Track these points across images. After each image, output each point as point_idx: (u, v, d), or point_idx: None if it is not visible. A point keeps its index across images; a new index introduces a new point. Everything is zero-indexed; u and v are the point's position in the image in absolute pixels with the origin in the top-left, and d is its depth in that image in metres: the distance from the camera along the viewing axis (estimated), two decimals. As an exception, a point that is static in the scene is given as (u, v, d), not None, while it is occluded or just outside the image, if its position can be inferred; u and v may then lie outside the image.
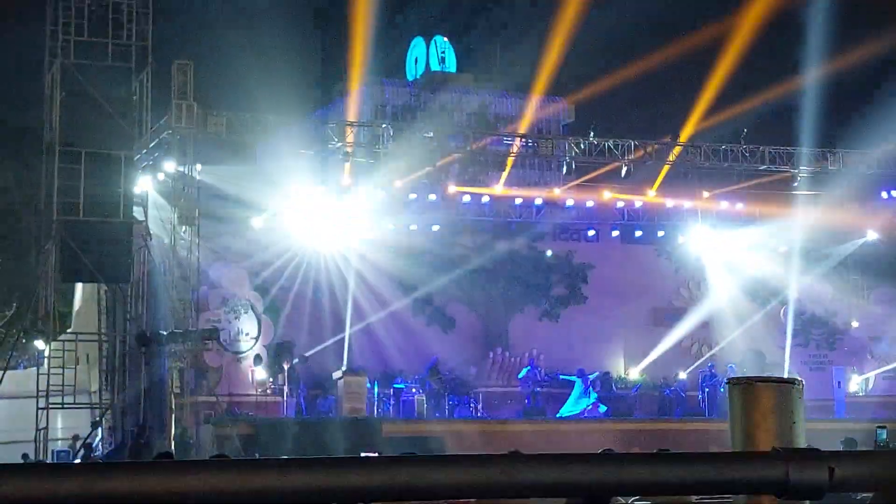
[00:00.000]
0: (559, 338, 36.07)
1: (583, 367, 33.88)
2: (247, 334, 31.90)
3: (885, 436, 26.97)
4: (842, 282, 37.39)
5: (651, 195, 35.85)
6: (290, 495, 2.54)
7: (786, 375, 26.83)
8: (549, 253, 37.09)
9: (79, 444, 29.10)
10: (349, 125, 32.63)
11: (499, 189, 34.74)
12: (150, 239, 30.81)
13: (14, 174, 42.37)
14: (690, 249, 37.55)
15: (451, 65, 41.06)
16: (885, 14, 35.51)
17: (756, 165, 34.70)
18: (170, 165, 30.67)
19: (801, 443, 2.88)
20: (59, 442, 31.26)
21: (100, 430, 31.02)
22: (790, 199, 35.66)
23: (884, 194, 36.70)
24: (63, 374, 29.86)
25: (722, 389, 31.49)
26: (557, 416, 32.85)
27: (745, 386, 2.96)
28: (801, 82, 34.83)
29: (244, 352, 31.62)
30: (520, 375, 34.51)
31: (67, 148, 29.52)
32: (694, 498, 5.65)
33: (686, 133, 35.41)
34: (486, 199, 35.05)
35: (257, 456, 23.28)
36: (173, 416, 28.93)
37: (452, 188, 34.62)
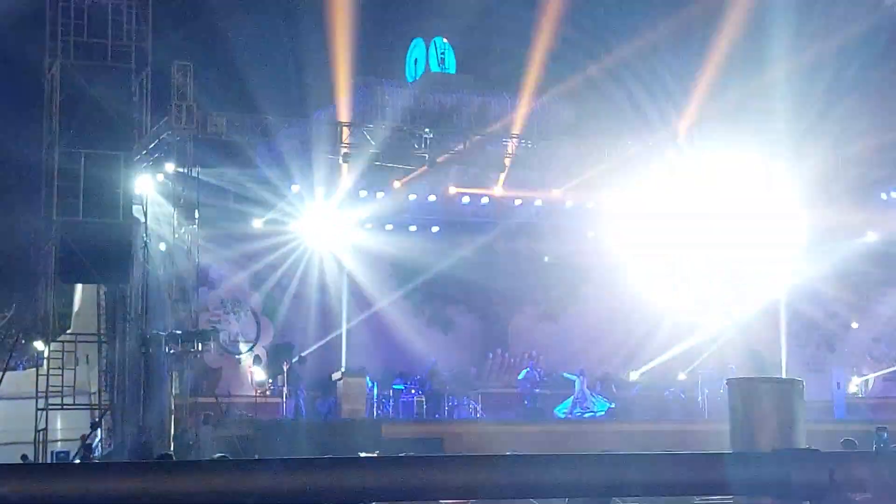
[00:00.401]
0: (558, 339, 36.07)
1: (584, 367, 33.92)
2: (246, 335, 31.89)
3: (885, 437, 26.99)
4: (842, 283, 37.38)
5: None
6: (290, 496, 2.54)
7: (783, 376, 26.83)
8: (548, 254, 37.07)
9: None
10: (349, 126, 32.63)
11: (498, 190, 34.74)
12: (150, 240, 30.81)
13: (13, 175, 42.37)
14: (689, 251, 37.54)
15: (451, 66, 41.05)
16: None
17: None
18: (169, 167, 30.66)
19: (802, 444, 2.88)
20: (59, 443, 31.25)
21: (99, 431, 31.02)
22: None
23: (883, 195, 36.70)
24: (62, 375, 29.86)
25: (722, 390, 31.51)
26: (555, 410, 32.88)
27: (746, 386, 2.95)
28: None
29: (243, 353, 31.62)
30: (519, 376, 34.51)
31: (67, 149, 29.52)
32: (696, 499, 5.64)
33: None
34: (485, 200, 35.05)
35: (256, 457, 23.27)
36: (173, 416, 28.92)
37: (452, 189, 34.63)
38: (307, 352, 32.51)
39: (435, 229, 35.46)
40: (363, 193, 33.39)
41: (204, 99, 31.21)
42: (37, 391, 29.53)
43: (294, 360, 31.90)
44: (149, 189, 30.94)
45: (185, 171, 30.49)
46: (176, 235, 30.44)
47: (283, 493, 2.56)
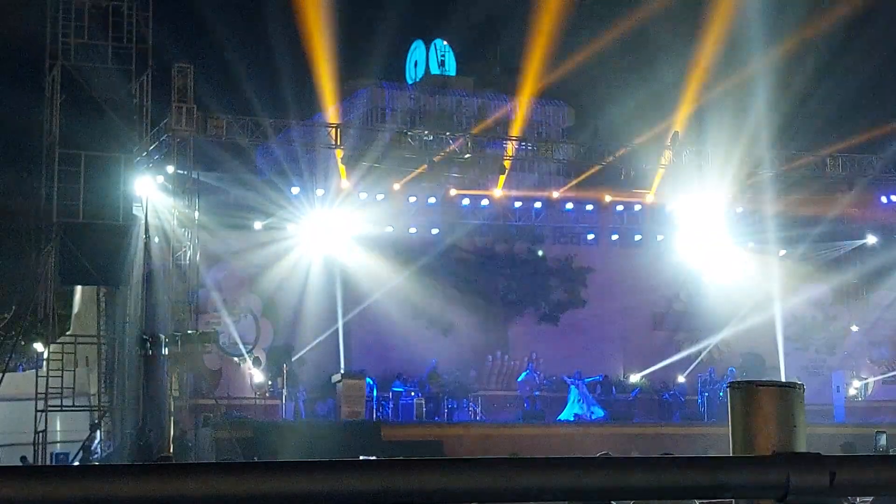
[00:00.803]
0: (558, 342, 36.06)
1: (580, 370, 33.90)
2: (245, 337, 31.88)
3: (884, 441, 26.97)
4: (841, 286, 37.39)
5: (650, 198, 35.88)
6: (289, 499, 2.53)
7: (783, 379, 26.82)
8: (548, 257, 37.09)
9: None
10: (349, 128, 32.64)
11: (498, 192, 34.75)
12: (150, 241, 30.81)
13: (14, 176, 42.35)
14: (690, 253, 37.58)
15: (451, 68, 41.08)
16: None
17: (756, 168, 34.74)
18: (169, 168, 30.67)
19: (802, 447, 2.87)
20: (59, 444, 31.26)
21: (98, 432, 31.02)
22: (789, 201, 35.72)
23: (883, 199, 36.73)
24: (62, 377, 29.87)
25: (722, 394, 31.49)
26: (557, 419, 32.85)
27: (746, 389, 2.94)
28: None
29: (243, 354, 31.62)
30: (519, 379, 34.49)
31: (67, 150, 29.54)
32: (696, 502, 5.64)
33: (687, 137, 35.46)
34: (485, 202, 35.07)
35: (256, 459, 23.27)
36: (172, 418, 28.91)
37: (452, 191, 34.65)
38: (304, 350, 32.51)
39: (435, 231, 35.49)
40: (363, 195, 33.40)
41: (204, 101, 31.26)
42: (36, 393, 29.53)
43: (293, 359, 31.91)
44: (149, 190, 30.94)
45: (186, 172, 30.49)
46: (176, 237, 30.44)
47: (282, 497, 2.56)
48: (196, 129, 30.44)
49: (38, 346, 33.24)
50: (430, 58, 40.96)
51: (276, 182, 32.22)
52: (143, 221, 30.63)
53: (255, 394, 31.27)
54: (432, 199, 34.49)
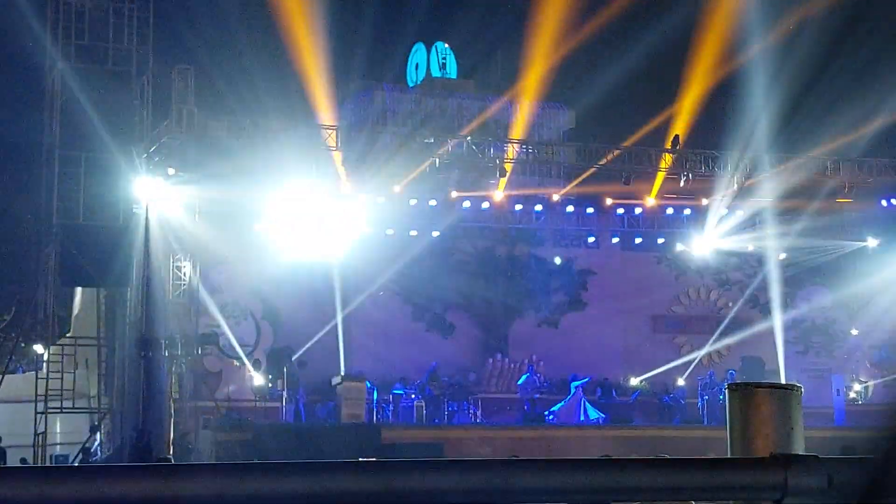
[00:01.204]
0: (558, 344, 36.05)
1: (576, 373, 33.88)
2: (245, 340, 31.87)
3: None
4: (841, 289, 37.36)
5: (651, 202, 35.89)
6: (288, 500, 2.54)
7: (782, 382, 26.78)
8: (548, 259, 37.10)
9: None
10: (349, 131, 32.64)
11: (499, 195, 34.74)
12: (150, 243, 30.78)
13: (14, 178, 42.36)
14: (690, 256, 37.62)
15: (452, 71, 41.08)
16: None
17: (756, 172, 34.73)
18: (169, 170, 30.65)
19: (800, 449, 2.88)
20: (58, 447, 31.23)
21: (98, 434, 31.01)
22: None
23: (883, 202, 36.71)
24: (62, 379, 29.85)
25: (721, 397, 31.49)
26: (547, 412, 32.87)
27: (744, 391, 2.95)
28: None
29: (243, 357, 31.60)
30: (519, 382, 34.47)
31: (67, 152, 29.52)
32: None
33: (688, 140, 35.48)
34: (486, 204, 35.06)
35: (256, 461, 23.26)
36: (172, 420, 28.91)
37: (453, 193, 34.64)
38: (302, 350, 32.49)
39: (435, 234, 35.49)
40: (363, 198, 33.39)
41: (204, 103, 31.24)
42: (36, 394, 29.51)
43: (294, 357, 31.91)
44: (149, 192, 30.92)
45: (186, 174, 30.48)
46: (176, 239, 30.42)
47: (282, 498, 2.56)
48: (196, 131, 30.44)
49: (38, 348, 33.20)
50: (432, 60, 40.95)
51: (276, 185, 32.19)
52: (144, 223, 30.61)
53: (256, 396, 31.24)
54: (433, 202, 34.48)
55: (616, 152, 34.50)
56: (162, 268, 30.83)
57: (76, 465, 25.84)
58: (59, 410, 30.06)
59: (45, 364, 31.12)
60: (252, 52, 38.23)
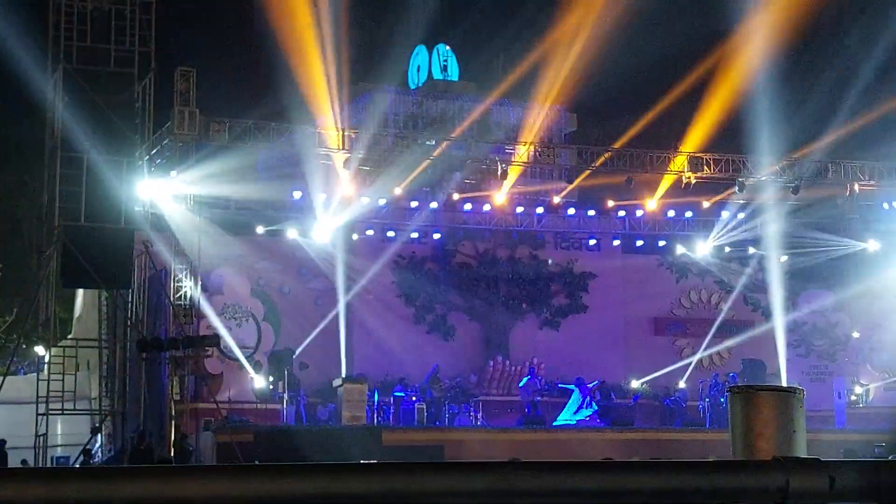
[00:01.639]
0: (559, 347, 36.04)
1: (582, 376, 33.83)
2: (246, 342, 31.87)
3: (880, 450, 26.96)
4: (843, 292, 37.34)
5: (652, 204, 35.89)
6: (289, 502, 2.54)
7: (784, 385, 26.78)
8: (549, 262, 37.11)
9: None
10: (351, 133, 32.64)
11: (500, 198, 34.74)
12: (151, 245, 30.81)
13: (16, 179, 42.40)
14: (691, 258, 37.64)
15: (454, 73, 41.08)
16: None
17: (757, 175, 34.73)
18: (171, 172, 30.67)
19: (802, 452, 2.88)
20: (59, 448, 31.24)
21: (99, 436, 31.02)
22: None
23: (885, 205, 36.71)
24: (63, 380, 29.85)
25: (723, 399, 31.45)
26: (554, 424, 32.80)
27: (746, 394, 2.95)
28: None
29: (244, 359, 31.60)
30: (520, 384, 34.46)
31: (69, 153, 29.54)
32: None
33: (688, 143, 35.46)
34: (487, 206, 35.08)
35: (256, 463, 23.26)
36: (173, 422, 28.91)
37: (454, 196, 34.65)
38: (300, 349, 32.49)
39: (437, 236, 35.51)
40: (365, 200, 33.41)
41: (206, 105, 31.25)
42: (37, 396, 29.51)
43: (294, 357, 31.91)
44: (151, 194, 30.96)
45: (188, 176, 30.50)
46: (177, 240, 30.44)
47: (282, 500, 2.56)
48: (198, 133, 30.46)
49: (40, 350, 33.22)
50: (433, 63, 40.95)
51: (278, 187, 32.21)
52: (145, 225, 30.63)
53: (257, 398, 31.24)
54: (434, 204, 34.50)
55: (618, 155, 34.46)
56: (163, 269, 30.85)
57: (77, 466, 25.86)
58: (60, 412, 30.06)
59: (46, 365, 31.13)
60: (253, 55, 38.27)
